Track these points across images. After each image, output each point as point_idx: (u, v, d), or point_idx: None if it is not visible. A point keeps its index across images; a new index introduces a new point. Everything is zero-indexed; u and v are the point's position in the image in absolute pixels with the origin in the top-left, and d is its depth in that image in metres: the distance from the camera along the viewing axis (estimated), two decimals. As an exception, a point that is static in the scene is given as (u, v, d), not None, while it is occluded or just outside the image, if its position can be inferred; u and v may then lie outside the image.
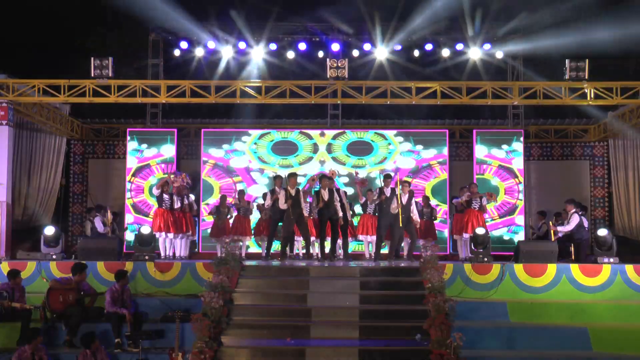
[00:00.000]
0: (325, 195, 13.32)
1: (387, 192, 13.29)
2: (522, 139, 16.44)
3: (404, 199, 13.26)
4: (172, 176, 14.51)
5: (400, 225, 13.18)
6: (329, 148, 16.55)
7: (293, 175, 13.66)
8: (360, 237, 14.66)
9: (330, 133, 16.62)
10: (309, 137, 16.62)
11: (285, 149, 16.56)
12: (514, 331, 10.41)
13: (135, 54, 19.43)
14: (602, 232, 13.11)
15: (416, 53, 16.75)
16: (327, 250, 13.53)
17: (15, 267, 11.50)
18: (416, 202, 13.87)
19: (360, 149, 16.53)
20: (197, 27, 16.59)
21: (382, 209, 13.34)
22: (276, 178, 14.01)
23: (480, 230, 12.95)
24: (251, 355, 9.52)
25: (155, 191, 14.19)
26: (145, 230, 13.24)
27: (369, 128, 17.06)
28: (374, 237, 14.54)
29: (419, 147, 16.49)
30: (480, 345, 10.02)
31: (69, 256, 13.64)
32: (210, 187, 16.42)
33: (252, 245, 15.41)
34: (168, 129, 16.72)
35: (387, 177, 13.50)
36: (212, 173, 16.46)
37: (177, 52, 16.77)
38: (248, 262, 12.66)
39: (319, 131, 16.68)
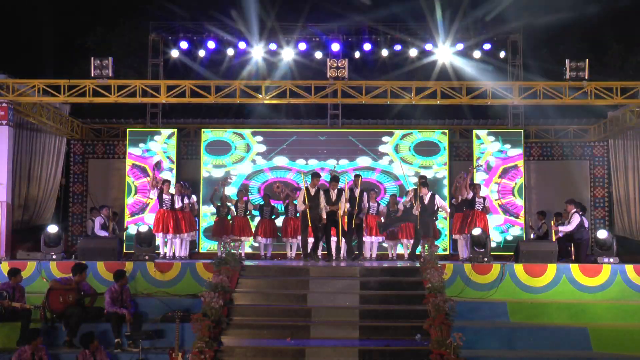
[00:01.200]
0: (333, 196, 13.26)
1: (426, 197, 13.39)
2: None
3: (426, 200, 13.39)
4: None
5: (419, 226, 13.30)
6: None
7: (316, 176, 13.47)
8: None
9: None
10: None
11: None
12: (514, 331, 10.41)
13: (135, 54, 19.47)
14: (602, 234, 13.06)
15: (413, 53, 16.77)
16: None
17: (15, 267, 11.50)
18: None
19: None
20: (198, 27, 16.61)
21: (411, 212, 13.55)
22: (356, 177, 13.63)
23: (476, 231, 12.95)
24: (251, 355, 9.51)
25: (153, 193, 14.14)
26: (143, 229, 13.23)
27: (369, 128, 17.06)
28: (377, 238, 14.54)
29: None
30: (480, 345, 10.02)
31: (69, 256, 13.63)
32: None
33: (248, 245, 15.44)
34: (168, 129, 16.73)
35: (423, 179, 13.67)
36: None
37: (177, 52, 16.77)
38: (248, 262, 12.68)
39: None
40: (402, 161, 16.34)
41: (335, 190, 13.28)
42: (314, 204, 13.03)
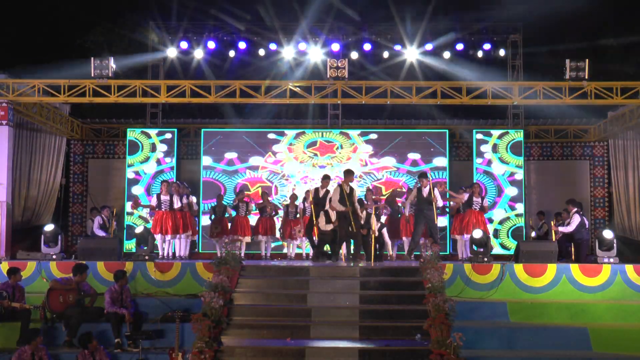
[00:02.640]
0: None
1: (425, 192, 13.32)
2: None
3: (425, 193, 13.36)
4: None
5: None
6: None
7: (350, 173, 13.02)
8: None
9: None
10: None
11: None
12: (514, 331, 10.41)
13: (135, 54, 19.46)
14: (608, 234, 13.04)
15: (413, 55, 16.73)
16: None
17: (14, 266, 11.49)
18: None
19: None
20: (198, 27, 16.59)
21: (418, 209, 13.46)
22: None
23: (477, 234, 12.93)
24: (251, 355, 9.51)
25: (152, 200, 14.18)
26: (140, 230, 13.20)
27: (369, 128, 17.05)
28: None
29: None
30: (480, 345, 10.02)
31: (69, 256, 13.64)
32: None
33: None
34: (168, 129, 16.71)
35: (422, 176, 13.53)
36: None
37: (177, 52, 16.74)
38: (248, 262, 12.67)
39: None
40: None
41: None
42: (351, 202, 12.68)
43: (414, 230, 13.58)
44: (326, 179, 13.59)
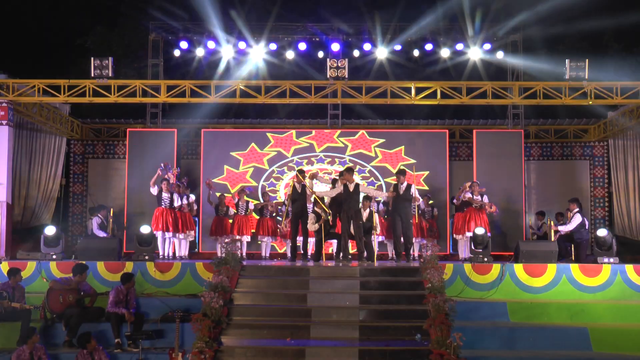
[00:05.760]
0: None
1: (402, 188, 12.87)
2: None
3: (402, 190, 12.91)
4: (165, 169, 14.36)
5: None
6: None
7: (350, 171, 12.72)
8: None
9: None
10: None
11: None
12: (514, 331, 10.42)
13: (135, 54, 19.47)
14: (602, 232, 13.09)
15: (416, 53, 16.72)
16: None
17: (15, 267, 11.50)
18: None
19: None
20: (197, 27, 16.59)
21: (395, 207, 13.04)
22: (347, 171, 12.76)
23: (479, 230, 12.92)
24: (251, 355, 9.51)
25: (153, 190, 14.11)
26: (145, 230, 13.21)
27: (368, 128, 17.04)
28: (378, 238, 14.34)
29: None
30: (480, 345, 10.04)
31: (69, 256, 13.63)
32: None
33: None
34: (168, 129, 16.71)
35: (399, 173, 13.10)
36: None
37: (177, 52, 16.74)
38: (248, 262, 12.67)
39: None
40: None
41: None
42: (355, 200, 12.51)
43: (393, 231, 13.13)
44: (301, 173, 13.38)
